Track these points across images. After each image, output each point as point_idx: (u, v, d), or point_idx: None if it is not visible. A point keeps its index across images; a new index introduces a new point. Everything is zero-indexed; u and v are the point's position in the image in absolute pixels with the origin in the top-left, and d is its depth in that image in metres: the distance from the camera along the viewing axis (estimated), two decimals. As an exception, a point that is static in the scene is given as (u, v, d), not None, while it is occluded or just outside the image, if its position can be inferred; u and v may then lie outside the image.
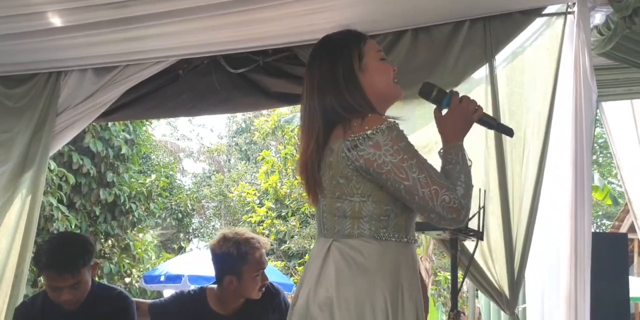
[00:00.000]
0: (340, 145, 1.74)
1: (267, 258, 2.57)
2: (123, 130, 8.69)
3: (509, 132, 1.90)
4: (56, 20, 2.71)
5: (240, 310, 2.54)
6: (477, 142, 2.71)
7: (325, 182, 1.79)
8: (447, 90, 1.86)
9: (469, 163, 1.82)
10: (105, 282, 2.56)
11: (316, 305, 1.69)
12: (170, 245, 18.64)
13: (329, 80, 1.83)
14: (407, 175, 1.67)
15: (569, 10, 2.70)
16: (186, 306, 2.58)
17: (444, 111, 1.85)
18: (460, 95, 1.84)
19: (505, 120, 2.69)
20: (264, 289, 2.50)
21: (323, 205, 1.82)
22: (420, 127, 2.76)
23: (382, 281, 1.69)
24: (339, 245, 1.74)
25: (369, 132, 1.69)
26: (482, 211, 2.43)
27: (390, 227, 1.74)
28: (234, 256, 2.45)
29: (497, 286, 2.64)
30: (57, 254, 2.35)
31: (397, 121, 1.75)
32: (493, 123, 1.89)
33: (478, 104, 1.83)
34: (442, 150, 1.82)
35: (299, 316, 1.73)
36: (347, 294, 1.67)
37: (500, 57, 2.76)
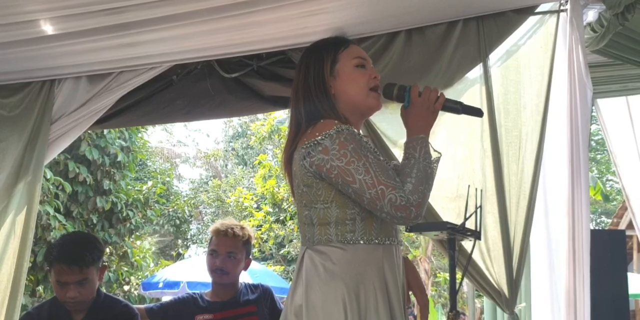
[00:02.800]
0: (299, 152, 1.78)
1: (234, 247, 2.70)
2: (119, 138, 8.68)
3: (478, 113, 1.89)
4: (49, 28, 2.70)
5: (232, 299, 2.70)
6: (473, 141, 2.71)
7: (295, 191, 1.84)
8: (407, 86, 1.87)
9: (436, 155, 1.83)
10: (104, 290, 2.56)
11: (292, 313, 1.74)
12: (169, 252, 18.61)
13: (302, 86, 1.89)
14: (353, 178, 1.68)
15: (561, 8, 2.70)
16: (184, 305, 2.70)
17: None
18: (433, 91, 1.85)
19: (500, 119, 2.69)
20: (218, 272, 2.67)
21: (298, 214, 1.87)
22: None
23: (350, 283, 1.71)
24: (310, 253, 1.78)
25: (318, 138, 1.73)
26: (479, 211, 2.42)
27: (358, 230, 1.75)
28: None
29: (495, 286, 2.64)
30: (68, 248, 2.45)
31: (350, 127, 1.76)
32: (459, 107, 1.87)
33: (440, 92, 1.84)
34: (404, 144, 1.83)
35: None
36: (315, 300, 1.70)
37: (494, 57, 2.76)
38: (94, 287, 2.43)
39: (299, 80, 1.93)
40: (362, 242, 1.75)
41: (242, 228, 2.74)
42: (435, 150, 1.85)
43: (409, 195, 1.66)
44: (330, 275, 1.72)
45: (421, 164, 1.73)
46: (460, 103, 1.89)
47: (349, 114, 1.86)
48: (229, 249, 2.67)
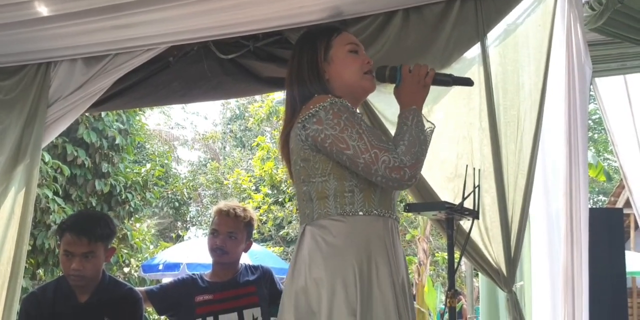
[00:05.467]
0: (295, 130, 1.82)
1: (232, 226, 2.71)
2: (117, 121, 8.66)
3: (469, 82, 1.95)
4: (43, 9, 2.68)
5: (232, 279, 2.71)
6: (471, 121, 2.71)
7: (293, 168, 1.87)
8: (397, 66, 1.92)
9: (429, 125, 1.89)
10: (105, 271, 2.58)
11: (293, 294, 1.74)
12: (168, 234, 18.69)
13: (296, 72, 1.93)
14: (347, 145, 1.71)
15: (559, -14, 2.68)
16: (184, 286, 2.72)
17: None
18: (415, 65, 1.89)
19: (499, 98, 2.68)
20: (218, 251, 2.69)
21: (296, 192, 1.89)
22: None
23: (352, 256, 1.72)
24: (310, 229, 1.78)
25: (312, 110, 1.77)
26: (477, 190, 2.43)
27: (357, 202, 1.76)
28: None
29: (494, 264, 2.65)
30: (81, 220, 2.54)
31: (343, 100, 1.80)
32: (449, 79, 1.94)
33: (430, 67, 1.90)
34: (397, 117, 1.87)
35: (281, 306, 1.79)
36: (317, 275, 1.71)
37: (492, 36, 2.74)
38: (98, 264, 2.45)
39: (293, 66, 1.97)
40: (361, 213, 1.76)
41: (245, 209, 2.77)
42: (428, 121, 1.90)
43: (402, 156, 1.70)
44: (333, 250, 1.72)
45: (413, 131, 1.77)
46: (450, 75, 1.96)
47: (344, 98, 1.88)
48: (230, 228, 2.68)
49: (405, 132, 1.77)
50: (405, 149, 1.72)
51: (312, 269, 1.72)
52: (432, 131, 1.90)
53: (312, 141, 1.77)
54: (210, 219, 2.87)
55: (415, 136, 1.77)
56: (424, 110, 2.70)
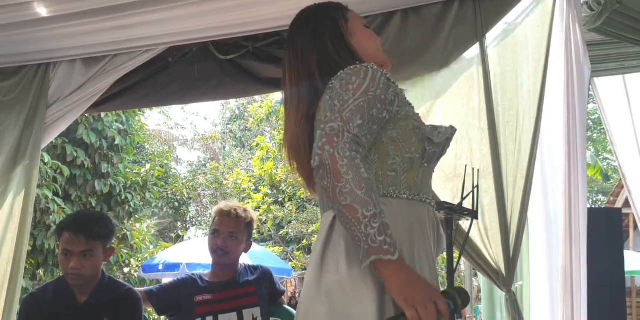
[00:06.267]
0: (322, 101, 1.54)
1: (234, 227, 2.69)
2: (116, 121, 8.66)
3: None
4: (42, 10, 2.68)
5: (232, 279, 2.70)
6: (470, 121, 2.71)
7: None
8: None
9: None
10: (104, 271, 2.58)
11: (322, 293, 1.44)
12: (168, 234, 18.67)
13: (313, 47, 1.66)
14: (332, 102, 1.46)
15: (558, -14, 2.68)
16: (184, 286, 2.71)
17: None
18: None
19: (497, 98, 2.68)
20: (219, 252, 2.67)
21: None
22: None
23: (399, 247, 1.39)
24: None
25: (341, 73, 1.52)
26: (476, 190, 2.43)
27: (400, 184, 1.51)
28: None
29: (493, 264, 2.66)
30: (78, 218, 2.56)
31: (383, 69, 1.53)
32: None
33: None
34: None
35: (306, 300, 1.49)
36: (358, 273, 1.40)
37: (491, 36, 2.75)
38: (97, 263, 2.45)
39: (305, 44, 1.67)
40: (405, 196, 1.50)
41: (245, 210, 2.77)
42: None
43: (345, 143, 1.37)
44: None
45: (361, 236, 1.33)
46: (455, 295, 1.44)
47: None
48: (231, 229, 2.69)
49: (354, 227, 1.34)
50: (351, 164, 1.35)
51: (352, 265, 1.41)
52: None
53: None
54: (210, 219, 2.88)
55: (352, 231, 1.35)
56: (423, 110, 2.74)
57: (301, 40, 1.69)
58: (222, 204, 2.79)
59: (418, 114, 1.61)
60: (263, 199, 13.29)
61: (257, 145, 14.07)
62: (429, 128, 1.59)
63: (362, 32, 1.73)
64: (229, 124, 22.52)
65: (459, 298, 1.42)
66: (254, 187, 14.37)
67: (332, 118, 1.42)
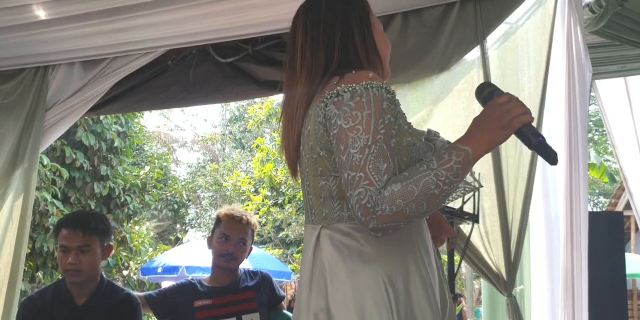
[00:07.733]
0: (316, 109, 1.45)
1: (242, 232, 2.69)
2: (115, 123, 8.65)
3: (550, 158, 1.43)
4: (41, 13, 2.68)
5: (231, 284, 2.70)
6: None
7: (305, 157, 1.49)
8: (501, 90, 1.48)
9: (476, 185, 1.52)
10: (103, 275, 2.58)
11: (311, 314, 1.42)
12: (167, 237, 18.65)
13: (340, 20, 1.53)
14: (345, 148, 1.34)
15: (559, -12, 2.67)
16: (183, 291, 2.71)
17: None
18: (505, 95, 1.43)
19: (498, 101, 2.67)
20: (228, 257, 2.66)
21: (307, 186, 1.51)
22: (412, 112, 2.75)
23: (383, 268, 1.39)
24: (329, 233, 1.45)
25: (339, 88, 1.40)
26: (477, 194, 2.42)
27: None
28: (215, 220, 2.79)
29: (494, 268, 2.65)
30: (74, 215, 2.72)
31: (388, 87, 1.41)
32: (533, 140, 1.41)
33: (528, 111, 1.41)
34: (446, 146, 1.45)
35: None
36: (341, 299, 1.38)
37: (491, 39, 2.74)
38: (95, 260, 2.45)
39: (337, 13, 1.53)
40: None
41: (252, 216, 2.78)
42: (475, 179, 1.51)
43: (381, 201, 1.27)
44: (361, 261, 1.40)
45: (430, 179, 1.29)
46: (541, 135, 1.43)
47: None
48: (242, 235, 2.68)
49: (420, 178, 1.29)
50: (392, 196, 1.28)
51: (335, 290, 1.39)
52: (468, 192, 1.54)
53: (326, 123, 1.41)
54: (211, 222, 2.87)
55: (423, 189, 1.30)
56: (423, 113, 2.73)
57: (327, 8, 1.55)
58: (229, 209, 2.77)
59: (410, 123, 1.52)
60: (263, 200, 13.29)
61: (257, 146, 14.07)
62: (424, 147, 1.50)
63: (380, 32, 1.62)
64: (228, 126, 22.52)
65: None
66: (253, 189, 14.37)
67: (357, 177, 1.31)
